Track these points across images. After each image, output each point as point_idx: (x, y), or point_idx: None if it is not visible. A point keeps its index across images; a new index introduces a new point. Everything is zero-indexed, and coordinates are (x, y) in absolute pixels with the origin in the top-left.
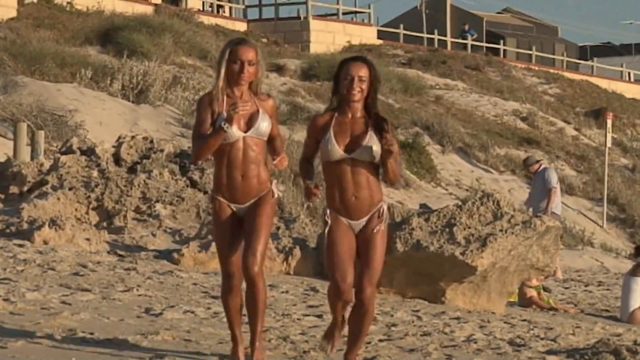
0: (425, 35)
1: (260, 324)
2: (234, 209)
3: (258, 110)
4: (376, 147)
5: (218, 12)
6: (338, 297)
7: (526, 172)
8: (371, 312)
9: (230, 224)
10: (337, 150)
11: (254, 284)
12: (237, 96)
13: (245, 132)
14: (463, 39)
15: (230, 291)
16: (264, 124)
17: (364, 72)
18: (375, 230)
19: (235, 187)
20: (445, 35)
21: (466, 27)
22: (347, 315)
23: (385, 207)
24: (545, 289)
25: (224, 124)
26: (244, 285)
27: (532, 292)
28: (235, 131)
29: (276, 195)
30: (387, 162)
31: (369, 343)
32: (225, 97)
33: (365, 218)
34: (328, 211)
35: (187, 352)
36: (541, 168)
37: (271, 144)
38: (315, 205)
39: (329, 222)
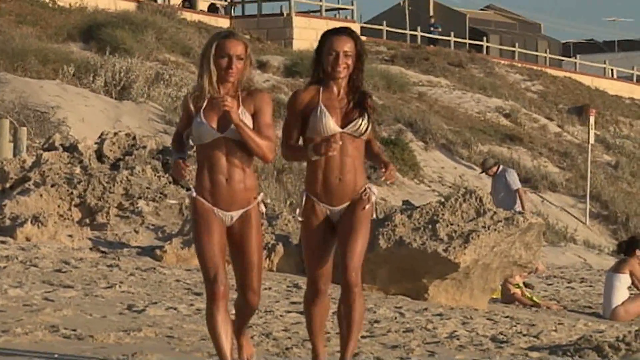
0: (408, 32)
1: (245, 327)
2: (217, 214)
3: (238, 108)
4: (368, 123)
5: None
6: (314, 301)
7: (485, 175)
8: (360, 299)
9: (213, 223)
10: (332, 125)
11: (252, 308)
12: (221, 94)
13: (222, 132)
14: (429, 33)
15: (214, 301)
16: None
17: (349, 46)
18: (365, 208)
19: (219, 192)
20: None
21: (432, 21)
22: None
23: (372, 188)
24: (527, 286)
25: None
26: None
27: (514, 289)
28: (210, 130)
29: (263, 210)
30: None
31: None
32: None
33: (346, 204)
34: (305, 198)
35: (169, 349)
36: (500, 170)
37: None
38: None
39: (304, 212)
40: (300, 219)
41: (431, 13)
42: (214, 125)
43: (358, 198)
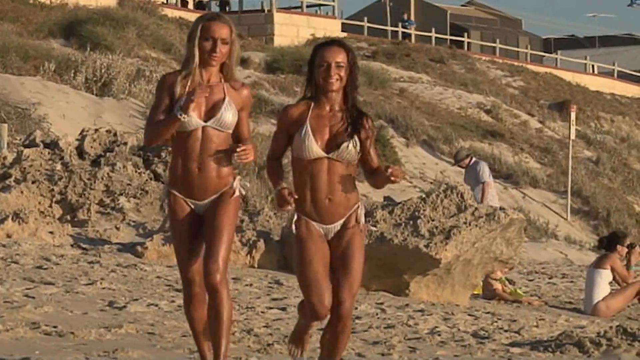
0: (389, 28)
1: (226, 341)
2: (192, 206)
3: (224, 99)
4: (357, 148)
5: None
6: (314, 319)
7: (458, 167)
8: (349, 327)
9: (188, 223)
10: (315, 149)
11: (216, 293)
12: (204, 79)
13: (205, 121)
14: (403, 27)
15: (192, 300)
16: (227, 115)
17: (341, 57)
18: (352, 226)
19: (191, 180)
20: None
21: (405, 17)
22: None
23: (362, 211)
24: (509, 281)
25: (180, 113)
26: None
27: (496, 284)
28: (193, 119)
29: (237, 193)
30: (381, 182)
31: None
32: (190, 80)
33: (341, 221)
34: (296, 216)
35: (150, 345)
36: (472, 162)
37: (237, 139)
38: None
39: (298, 230)
40: (294, 231)
41: (412, 9)
42: (196, 113)
43: (350, 224)
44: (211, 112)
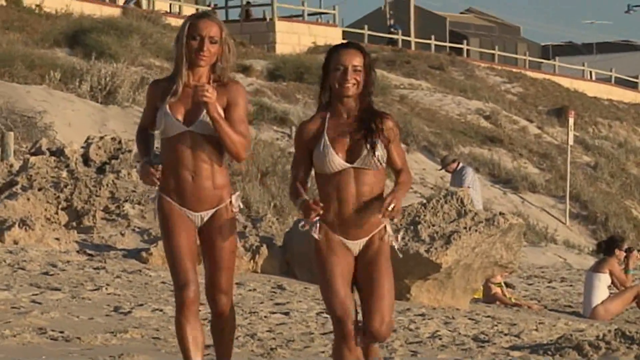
0: (389, 35)
1: (229, 349)
2: (188, 215)
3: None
4: (381, 152)
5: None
6: (343, 331)
7: (445, 171)
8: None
9: (181, 222)
10: (337, 161)
11: (223, 316)
12: (192, 81)
13: (188, 125)
14: (390, 33)
15: (183, 309)
16: (208, 118)
17: (358, 60)
18: (377, 246)
19: (185, 189)
20: (409, 35)
21: (391, 22)
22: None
23: (389, 226)
24: (508, 285)
25: (145, 167)
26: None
27: (495, 288)
28: (174, 123)
29: (236, 209)
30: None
31: None
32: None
33: (366, 238)
34: (318, 225)
35: (155, 350)
36: (459, 167)
37: None
38: (282, 204)
39: (318, 238)
40: (317, 237)
41: (412, 17)
42: (180, 117)
43: (378, 240)
44: (194, 115)
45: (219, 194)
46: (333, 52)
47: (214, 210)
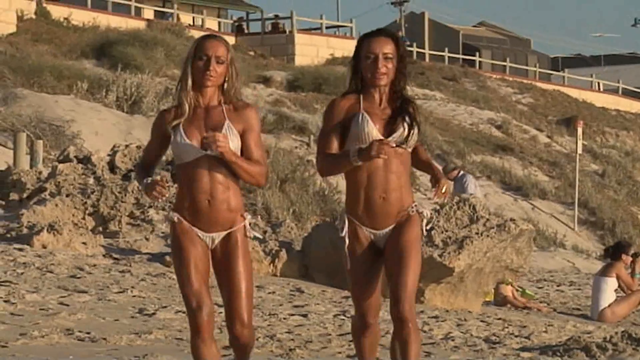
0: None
1: None
2: (199, 235)
3: (224, 123)
4: (413, 132)
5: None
6: (363, 333)
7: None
8: (416, 334)
9: (193, 244)
10: (375, 133)
11: (241, 341)
12: (201, 103)
13: (205, 150)
14: None
15: (198, 333)
16: (230, 143)
17: (389, 48)
18: (411, 212)
19: (200, 211)
20: (424, 48)
21: (400, 34)
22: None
23: (420, 206)
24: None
25: (145, 190)
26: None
27: (507, 292)
28: (191, 148)
29: (250, 235)
30: (424, 170)
31: (351, 341)
32: (185, 109)
33: (392, 226)
34: (347, 222)
35: (178, 350)
36: (460, 174)
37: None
38: (301, 210)
39: (347, 237)
40: (346, 240)
41: (426, 30)
42: (196, 142)
43: (405, 219)
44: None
45: (233, 217)
46: (364, 39)
47: (226, 232)
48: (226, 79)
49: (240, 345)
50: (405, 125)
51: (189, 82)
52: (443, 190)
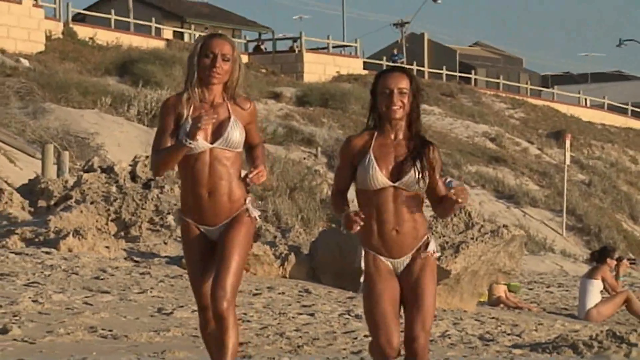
0: (405, 66)
1: None
2: (204, 232)
3: (229, 117)
4: (424, 177)
5: None
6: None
7: None
8: None
9: (201, 249)
10: (380, 178)
11: (222, 321)
12: (207, 99)
13: (212, 142)
14: (393, 62)
15: (207, 325)
16: (235, 134)
17: (404, 83)
18: (422, 258)
19: (202, 206)
20: (424, 66)
21: (395, 52)
22: None
23: (432, 241)
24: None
25: (186, 140)
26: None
27: (500, 293)
28: (200, 142)
29: (253, 215)
30: (449, 208)
31: (355, 339)
32: (194, 101)
33: (409, 255)
34: (364, 252)
35: (195, 347)
36: (447, 181)
37: (250, 154)
38: (309, 216)
39: (366, 267)
40: (362, 268)
41: (425, 49)
42: (203, 136)
43: (418, 256)
44: (217, 132)
45: (235, 206)
46: (380, 76)
47: (229, 219)
48: (230, 76)
49: (219, 317)
50: (416, 170)
51: (195, 78)
52: (461, 199)
